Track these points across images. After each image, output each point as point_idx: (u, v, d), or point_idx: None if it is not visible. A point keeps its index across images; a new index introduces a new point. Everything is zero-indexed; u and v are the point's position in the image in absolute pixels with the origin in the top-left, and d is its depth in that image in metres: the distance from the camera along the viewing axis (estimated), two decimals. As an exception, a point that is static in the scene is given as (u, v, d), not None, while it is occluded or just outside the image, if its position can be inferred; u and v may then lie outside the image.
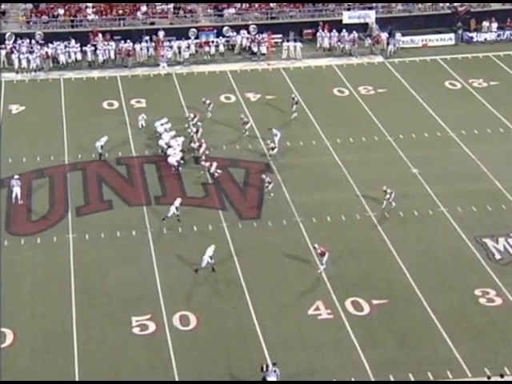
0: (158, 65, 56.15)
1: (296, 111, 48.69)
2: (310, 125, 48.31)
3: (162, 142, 44.50)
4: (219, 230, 38.45)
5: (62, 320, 32.58)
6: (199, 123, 46.15)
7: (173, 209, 38.29)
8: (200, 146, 44.18)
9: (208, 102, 48.54)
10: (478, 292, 34.24)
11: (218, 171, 42.28)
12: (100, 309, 33.25)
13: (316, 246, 35.52)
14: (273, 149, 44.00)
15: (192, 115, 46.81)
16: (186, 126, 46.54)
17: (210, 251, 34.99)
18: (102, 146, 43.84)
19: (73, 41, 56.69)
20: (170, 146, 43.91)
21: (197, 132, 45.58)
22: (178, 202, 38.54)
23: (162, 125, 45.97)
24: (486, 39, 61.39)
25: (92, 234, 38.06)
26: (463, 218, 39.00)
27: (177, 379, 29.67)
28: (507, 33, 61.54)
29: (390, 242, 37.41)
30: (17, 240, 37.65)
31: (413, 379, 29.67)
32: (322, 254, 35.07)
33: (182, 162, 43.18)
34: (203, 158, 43.21)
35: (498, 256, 36.59)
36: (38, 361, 30.57)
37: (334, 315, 32.97)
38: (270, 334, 31.84)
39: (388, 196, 39.10)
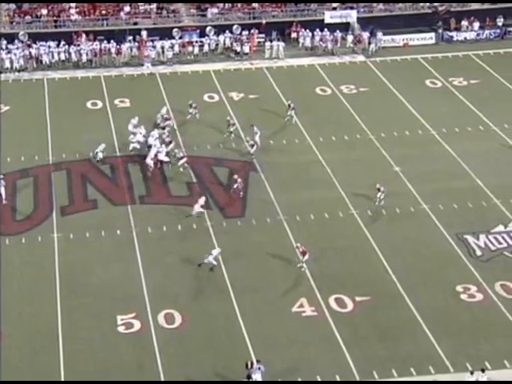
0: (143, 65, 55.98)
1: (292, 117, 48.07)
2: (293, 124, 48.30)
3: (135, 140, 44.20)
4: (204, 228, 38.39)
5: (47, 319, 32.45)
6: (168, 129, 45.64)
7: (197, 207, 38.14)
8: (170, 142, 43.95)
9: (194, 105, 48.28)
10: (459, 288, 34.42)
11: (185, 165, 42.45)
12: (85, 307, 33.13)
13: (298, 245, 35.60)
14: (252, 146, 43.99)
15: (164, 117, 46.30)
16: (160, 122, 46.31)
17: (215, 252, 35.06)
18: (97, 153, 43.37)
19: (55, 43, 56.42)
20: (150, 146, 43.49)
21: (165, 130, 45.23)
22: (202, 200, 38.41)
23: (134, 126, 45.33)
24: (465, 38, 61.61)
25: (77, 233, 37.89)
26: (445, 215, 39.15)
27: (162, 376, 29.63)
28: (486, 32, 61.82)
29: (372, 240, 37.51)
30: (1, 240, 37.38)
31: (396, 375, 29.80)
32: (304, 254, 35.14)
33: (167, 159, 43.02)
34: (173, 153, 43.23)
35: (478, 252, 36.79)
36: (24, 360, 30.44)
37: (318, 312, 33.03)
38: (254, 331, 31.86)
39: (380, 194, 39.23)
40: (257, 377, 28.65)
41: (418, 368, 30.12)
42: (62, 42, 56.70)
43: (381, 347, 31.25)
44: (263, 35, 59.16)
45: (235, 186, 40.30)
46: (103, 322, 32.32)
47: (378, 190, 39.55)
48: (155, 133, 44.24)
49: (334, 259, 36.23)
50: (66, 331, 31.79)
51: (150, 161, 42.57)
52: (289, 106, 48.41)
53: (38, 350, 30.95)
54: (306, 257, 35.04)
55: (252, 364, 29.17)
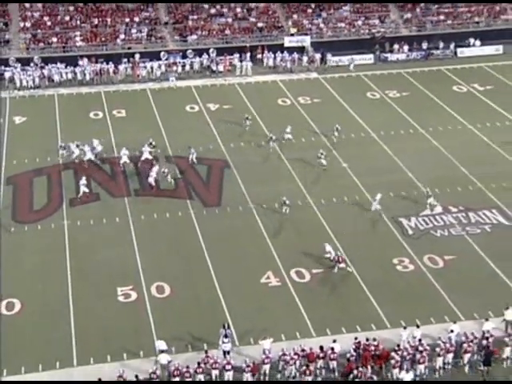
0: (168, 79, 55.31)
1: (335, 135, 46.17)
2: (260, 129, 48.10)
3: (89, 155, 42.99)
4: (187, 215, 38.12)
5: (59, 291, 32.15)
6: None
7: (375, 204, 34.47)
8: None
9: (250, 117, 47.74)
10: (395, 261, 34.55)
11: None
12: (91, 281, 32.86)
13: (339, 253, 33.76)
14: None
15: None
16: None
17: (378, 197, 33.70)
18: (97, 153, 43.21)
19: (63, 64, 55.76)
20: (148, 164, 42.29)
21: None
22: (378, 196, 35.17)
23: (77, 146, 43.34)
24: (397, 59, 61.73)
25: (83, 221, 37.47)
26: (383, 202, 39.10)
27: (155, 338, 29.34)
28: (414, 54, 62.19)
29: (325, 223, 37.47)
30: (21, 227, 37.02)
31: (345, 332, 29.84)
32: (341, 262, 33.45)
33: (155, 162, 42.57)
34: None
35: (410, 232, 36.95)
36: (41, 323, 30.20)
37: (282, 283, 32.97)
38: (230, 299, 31.74)
39: (430, 199, 38.40)
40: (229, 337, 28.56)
41: (363, 326, 30.20)
42: (70, 64, 56.06)
43: (333, 310, 31.28)
44: (247, 56, 58.40)
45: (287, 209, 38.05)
46: (106, 293, 32.06)
47: (427, 192, 38.82)
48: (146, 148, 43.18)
49: (294, 239, 36.13)
50: (75, 300, 31.52)
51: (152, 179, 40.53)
52: (336, 128, 46.29)
53: (52, 315, 30.69)
54: (341, 265, 33.40)
55: (228, 325, 29.04)
